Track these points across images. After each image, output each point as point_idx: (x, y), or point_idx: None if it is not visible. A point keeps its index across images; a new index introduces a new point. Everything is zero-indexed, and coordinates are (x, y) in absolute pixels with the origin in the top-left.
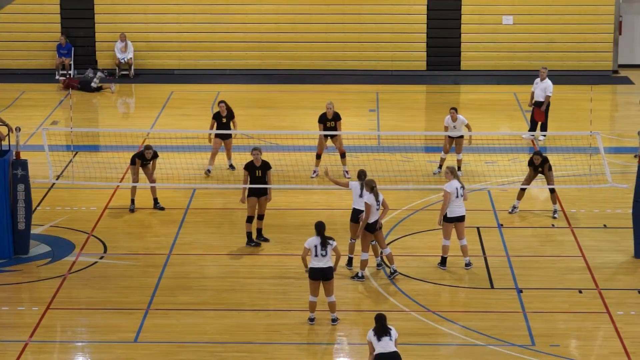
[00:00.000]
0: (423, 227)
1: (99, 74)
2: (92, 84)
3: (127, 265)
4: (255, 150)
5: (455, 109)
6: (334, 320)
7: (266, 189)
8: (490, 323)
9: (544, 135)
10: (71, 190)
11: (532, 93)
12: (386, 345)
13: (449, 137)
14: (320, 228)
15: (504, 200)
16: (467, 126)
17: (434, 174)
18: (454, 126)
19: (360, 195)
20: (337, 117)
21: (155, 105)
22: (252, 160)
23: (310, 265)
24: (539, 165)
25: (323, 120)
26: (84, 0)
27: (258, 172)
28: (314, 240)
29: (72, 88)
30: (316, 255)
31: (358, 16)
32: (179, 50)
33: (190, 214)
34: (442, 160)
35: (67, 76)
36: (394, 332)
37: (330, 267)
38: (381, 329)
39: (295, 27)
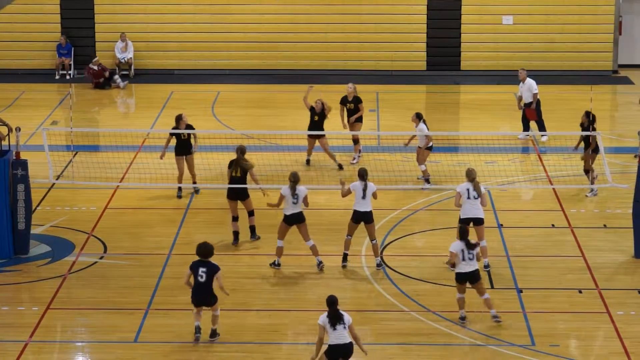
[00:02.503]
0: (423, 227)
1: (127, 82)
2: (119, 84)
3: (127, 265)
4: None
5: (419, 115)
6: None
7: (246, 191)
8: (491, 323)
9: (545, 135)
10: (71, 190)
11: (520, 97)
12: (340, 336)
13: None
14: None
15: (504, 200)
16: (428, 138)
17: (419, 178)
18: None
19: (363, 197)
20: (357, 100)
21: (155, 105)
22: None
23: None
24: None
25: (343, 101)
26: (84, 0)
27: (235, 172)
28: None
29: (98, 77)
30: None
31: (358, 16)
32: (179, 50)
33: (190, 214)
34: (423, 172)
35: (99, 67)
36: (347, 318)
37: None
38: (335, 316)
39: (295, 27)
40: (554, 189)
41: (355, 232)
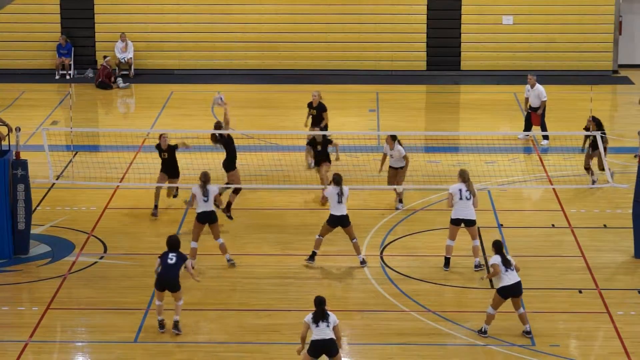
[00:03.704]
0: (423, 227)
1: (128, 83)
2: (119, 84)
3: (127, 265)
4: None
5: (394, 137)
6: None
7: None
8: (491, 323)
9: (546, 141)
10: (71, 190)
11: (526, 99)
12: (322, 332)
13: (390, 167)
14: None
15: (504, 200)
16: (405, 157)
17: (397, 209)
18: (390, 155)
19: (339, 202)
20: (321, 108)
21: (155, 105)
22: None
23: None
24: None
25: (309, 106)
26: (84, 0)
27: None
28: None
29: (107, 76)
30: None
31: (358, 16)
32: (179, 50)
33: (190, 214)
34: (398, 194)
35: (110, 68)
36: (332, 319)
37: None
38: (319, 314)
39: (295, 27)
40: (554, 189)
41: (357, 234)
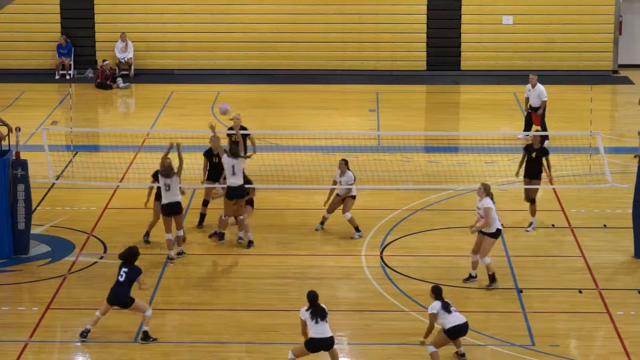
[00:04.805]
0: (423, 227)
1: (128, 83)
2: (119, 84)
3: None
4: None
5: (345, 161)
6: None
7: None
8: (490, 323)
9: (547, 141)
10: (71, 190)
11: (527, 99)
12: (322, 330)
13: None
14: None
15: (504, 200)
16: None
17: (316, 229)
18: (340, 181)
19: (233, 173)
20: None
21: (155, 105)
22: (210, 148)
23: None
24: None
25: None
26: (84, 0)
27: (215, 158)
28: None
29: (106, 79)
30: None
31: (358, 16)
32: (179, 50)
33: (190, 214)
34: (324, 218)
35: (109, 70)
36: (326, 310)
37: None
38: (316, 311)
39: (295, 27)
40: (554, 189)
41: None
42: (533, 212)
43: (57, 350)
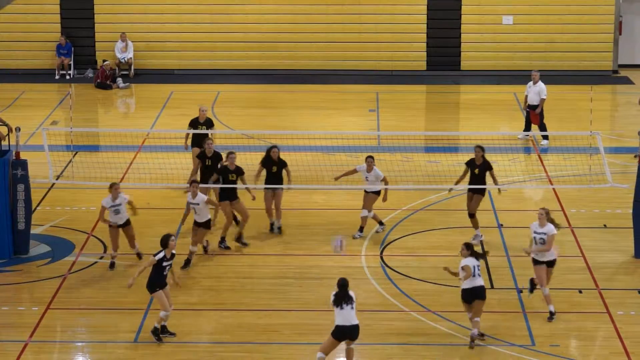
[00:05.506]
0: (423, 227)
1: (128, 83)
2: (119, 84)
3: (127, 265)
4: (232, 154)
5: (372, 157)
6: None
7: (235, 193)
8: (490, 323)
9: (546, 141)
10: (71, 190)
11: (526, 96)
12: (348, 317)
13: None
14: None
15: (504, 200)
16: (384, 180)
17: (354, 237)
18: (366, 177)
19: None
20: (209, 123)
21: (155, 105)
22: (226, 165)
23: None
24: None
25: (194, 123)
26: (84, 0)
27: (232, 175)
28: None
29: (105, 79)
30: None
31: (358, 16)
32: (179, 50)
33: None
34: (364, 219)
35: (109, 71)
36: (354, 297)
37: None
38: (343, 296)
39: (295, 27)
40: (554, 189)
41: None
42: (475, 225)
43: (57, 350)
